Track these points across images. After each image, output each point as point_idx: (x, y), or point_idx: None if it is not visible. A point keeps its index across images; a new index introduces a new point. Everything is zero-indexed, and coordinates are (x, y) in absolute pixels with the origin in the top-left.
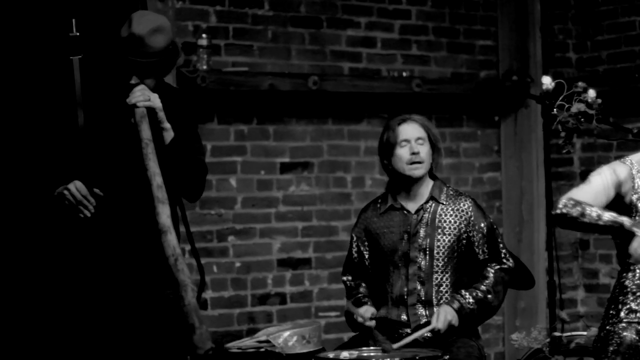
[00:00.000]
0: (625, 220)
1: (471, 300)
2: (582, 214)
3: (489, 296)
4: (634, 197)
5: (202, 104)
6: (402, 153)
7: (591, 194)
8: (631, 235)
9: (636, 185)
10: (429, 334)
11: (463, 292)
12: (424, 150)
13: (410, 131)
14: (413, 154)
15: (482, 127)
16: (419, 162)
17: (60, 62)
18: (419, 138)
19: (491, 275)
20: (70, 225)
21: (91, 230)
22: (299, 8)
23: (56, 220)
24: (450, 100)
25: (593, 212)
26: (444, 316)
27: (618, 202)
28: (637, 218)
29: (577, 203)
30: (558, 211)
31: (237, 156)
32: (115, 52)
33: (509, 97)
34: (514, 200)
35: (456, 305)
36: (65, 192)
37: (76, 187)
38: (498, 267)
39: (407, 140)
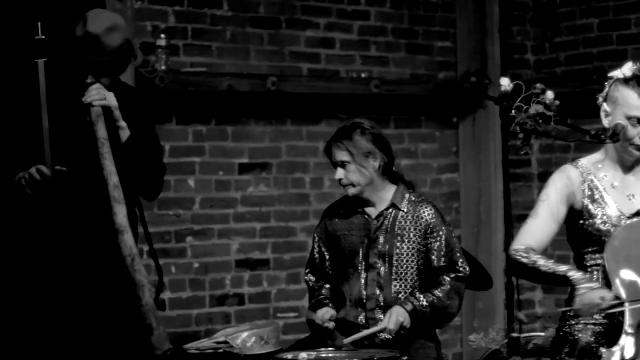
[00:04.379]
0: (573, 275)
1: (425, 303)
2: (534, 263)
3: (444, 302)
4: (585, 200)
5: (160, 105)
6: (335, 175)
7: (539, 227)
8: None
9: (586, 188)
10: (386, 336)
11: (417, 294)
12: (349, 171)
13: (336, 155)
14: (338, 179)
15: (440, 128)
16: (346, 185)
17: (25, 64)
18: (342, 162)
19: (447, 282)
20: (27, 221)
21: (47, 229)
22: (257, 9)
23: (14, 216)
24: (409, 101)
25: (544, 264)
26: (395, 317)
27: (569, 212)
28: (589, 222)
29: (527, 252)
30: (512, 257)
31: (195, 157)
32: (71, 51)
33: (467, 98)
34: (472, 201)
35: (409, 307)
36: (26, 175)
37: (36, 169)
38: (454, 275)
39: (335, 164)
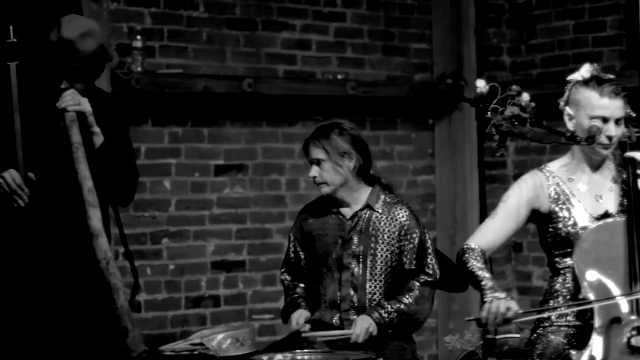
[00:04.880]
0: (486, 284)
1: (392, 311)
2: (467, 263)
3: (412, 309)
4: (552, 205)
5: (136, 106)
6: (310, 172)
7: (495, 228)
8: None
9: (552, 192)
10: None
11: (385, 303)
12: (324, 170)
13: (312, 152)
14: (312, 176)
15: (416, 130)
16: (320, 183)
17: None
18: (318, 160)
19: (416, 288)
20: (3, 222)
21: (22, 233)
22: (234, 10)
23: None
24: (385, 103)
25: (473, 265)
26: (360, 324)
27: (536, 215)
28: (559, 226)
29: (472, 251)
30: (459, 250)
31: (171, 158)
32: (45, 56)
33: (443, 100)
34: (448, 203)
35: (375, 316)
36: (0, 180)
37: (11, 176)
38: (424, 280)
39: (310, 162)
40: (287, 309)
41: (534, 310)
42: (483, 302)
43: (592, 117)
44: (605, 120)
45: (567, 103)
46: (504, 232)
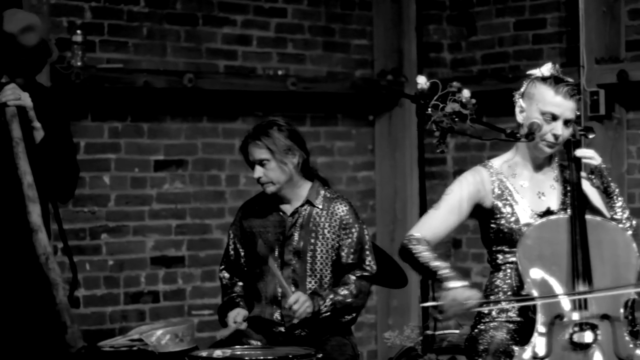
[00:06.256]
0: (443, 272)
1: (328, 300)
2: (418, 254)
3: (346, 301)
4: (495, 200)
5: (76, 101)
6: (254, 173)
7: (439, 219)
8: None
9: (496, 188)
10: (294, 321)
11: (321, 292)
12: (269, 169)
13: (254, 154)
14: (257, 177)
15: (356, 126)
16: (265, 183)
17: None
18: (261, 160)
19: (352, 282)
20: None
21: None
22: (174, 5)
23: None
24: (325, 99)
25: (425, 256)
26: (303, 302)
27: (479, 211)
28: (501, 221)
29: (417, 241)
30: (403, 242)
31: (110, 153)
32: None
33: (383, 96)
34: (388, 199)
35: (315, 302)
36: None
37: None
38: (360, 274)
39: (253, 162)
40: (224, 307)
41: (493, 301)
42: (441, 290)
43: (543, 113)
44: (554, 118)
45: (522, 96)
46: (447, 224)
